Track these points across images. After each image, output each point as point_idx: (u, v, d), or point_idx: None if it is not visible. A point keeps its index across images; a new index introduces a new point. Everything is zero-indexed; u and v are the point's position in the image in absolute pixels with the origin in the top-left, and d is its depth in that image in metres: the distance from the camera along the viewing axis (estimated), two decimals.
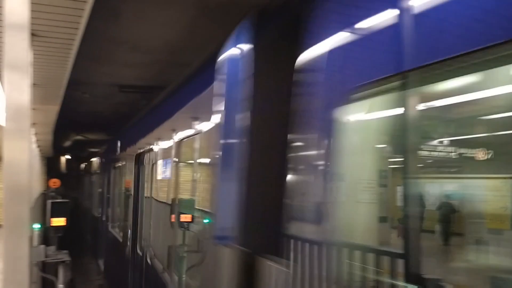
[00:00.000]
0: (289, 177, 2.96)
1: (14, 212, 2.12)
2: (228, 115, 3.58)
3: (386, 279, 2.26)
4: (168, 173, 6.01)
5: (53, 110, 7.51)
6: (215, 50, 4.25)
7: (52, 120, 8.90)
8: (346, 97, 2.43)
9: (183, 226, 5.15)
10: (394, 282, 2.19)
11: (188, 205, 5.11)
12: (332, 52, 2.66)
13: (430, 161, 6.86)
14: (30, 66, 2.23)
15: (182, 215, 5.08)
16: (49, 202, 6.91)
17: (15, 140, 2.13)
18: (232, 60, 3.79)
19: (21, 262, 2.14)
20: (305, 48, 2.89)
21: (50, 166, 20.10)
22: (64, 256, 6.35)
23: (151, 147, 7.27)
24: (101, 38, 7.17)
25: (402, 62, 2.10)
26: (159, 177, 6.71)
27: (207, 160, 4.80)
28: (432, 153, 6.66)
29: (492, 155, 5.87)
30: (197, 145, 5.15)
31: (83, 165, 21.71)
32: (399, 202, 2.26)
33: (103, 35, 7.02)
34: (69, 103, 9.57)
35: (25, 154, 2.11)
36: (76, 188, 21.13)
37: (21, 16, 2.10)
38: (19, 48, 2.09)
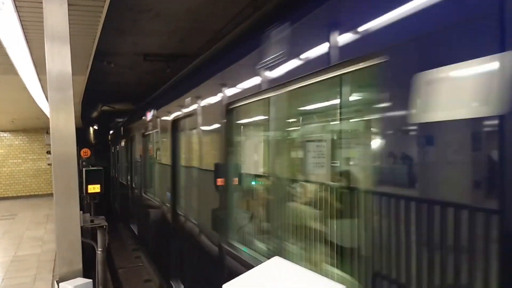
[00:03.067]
0: None
1: (63, 178, 2.21)
2: None
3: None
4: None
5: (82, 80, 7.62)
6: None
7: (81, 91, 9.06)
8: None
9: None
10: None
11: None
12: None
13: None
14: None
15: None
16: (84, 170, 7.11)
17: (60, 109, 2.19)
18: None
19: (73, 224, 2.24)
20: None
21: (80, 137, 20.55)
22: (102, 221, 6.58)
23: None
24: (124, 7, 7.16)
25: None
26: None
27: None
28: None
29: None
30: None
31: (110, 136, 22.12)
32: None
33: (127, 3, 7.01)
34: (96, 73, 9.68)
35: (70, 122, 2.18)
36: (105, 157, 21.63)
37: None
38: (59, 15, 2.12)
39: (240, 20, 7.79)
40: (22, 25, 4.02)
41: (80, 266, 2.27)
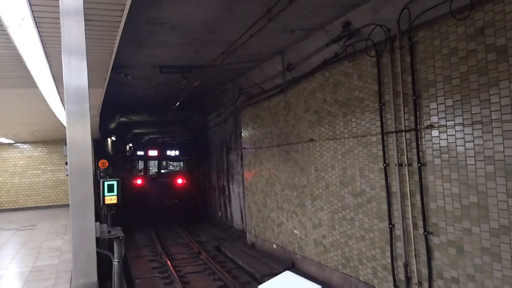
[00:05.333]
0: None
1: (79, 190, 2.24)
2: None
3: None
4: None
5: (99, 93, 7.74)
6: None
7: (99, 103, 9.20)
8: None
9: None
10: None
11: None
12: None
13: None
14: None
15: None
16: (102, 182, 7.18)
17: (76, 123, 2.23)
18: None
19: (89, 235, 2.27)
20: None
21: (98, 148, 20.86)
22: (118, 232, 6.61)
23: None
24: (141, 20, 7.29)
25: None
26: None
27: None
28: None
29: None
30: None
31: (127, 147, 22.43)
32: None
33: (144, 17, 7.13)
34: (113, 85, 9.86)
35: (87, 135, 2.22)
36: (123, 168, 21.91)
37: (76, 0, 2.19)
38: (76, 31, 2.17)
39: (254, 31, 7.89)
40: (41, 40, 4.11)
41: (95, 278, 2.29)
